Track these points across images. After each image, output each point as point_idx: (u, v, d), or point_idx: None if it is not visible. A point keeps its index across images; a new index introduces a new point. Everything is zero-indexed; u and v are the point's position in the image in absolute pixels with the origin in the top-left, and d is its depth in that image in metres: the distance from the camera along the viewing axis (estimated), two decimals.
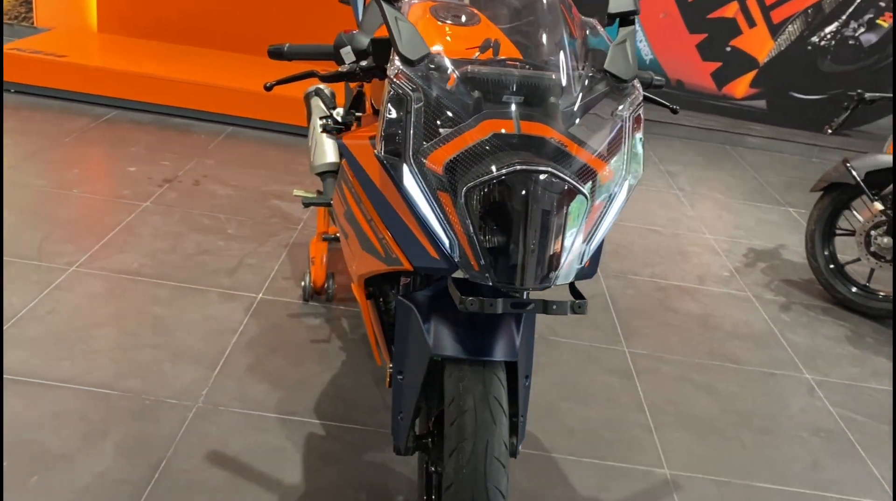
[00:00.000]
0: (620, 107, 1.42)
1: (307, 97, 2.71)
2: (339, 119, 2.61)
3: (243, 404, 2.22)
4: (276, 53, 1.65)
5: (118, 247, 2.95)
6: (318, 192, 2.78)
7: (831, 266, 3.45)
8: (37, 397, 2.11)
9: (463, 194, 1.31)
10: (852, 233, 3.41)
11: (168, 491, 1.87)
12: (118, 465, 1.93)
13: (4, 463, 1.88)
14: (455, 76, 1.38)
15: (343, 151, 1.61)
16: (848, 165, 3.32)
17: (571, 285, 1.48)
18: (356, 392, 2.34)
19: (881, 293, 3.36)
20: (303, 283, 2.78)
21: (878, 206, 3.23)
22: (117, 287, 2.69)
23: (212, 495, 1.89)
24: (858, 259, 3.37)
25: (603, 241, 1.49)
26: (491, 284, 1.34)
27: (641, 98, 1.46)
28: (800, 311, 3.34)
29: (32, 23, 5.37)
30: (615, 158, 1.40)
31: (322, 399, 2.29)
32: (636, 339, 2.91)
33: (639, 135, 1.45)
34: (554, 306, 1.37)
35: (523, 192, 1.29)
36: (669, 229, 4.02)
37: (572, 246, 1.35)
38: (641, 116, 1.45)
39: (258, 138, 4.37)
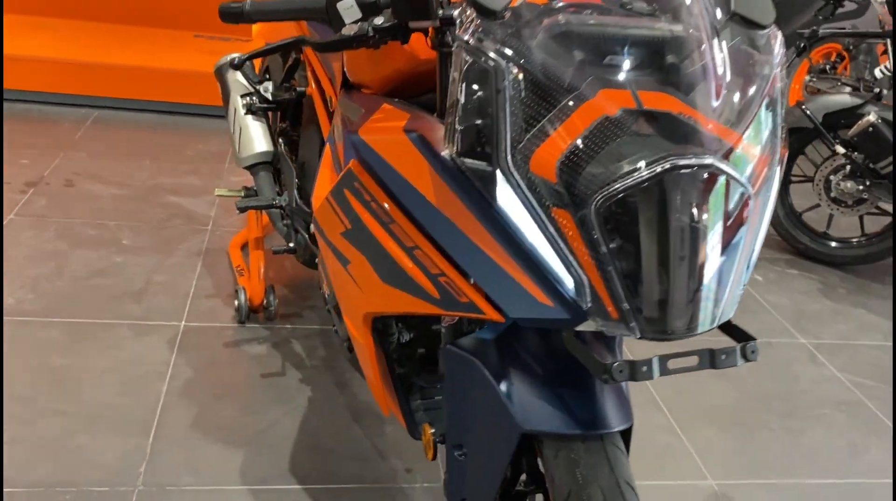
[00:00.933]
0: (761, 63, 1.03)
1: (219, 71, 2.14)
2: (269, 97, 2.09)
3: (197, 478, 1.71)
4: (233, 14, 1.14)
5: None
6: (246, 188, 2.25)
7: (789, 216, 3.29)
8: None
9: (594, 208, 0.89)
10: (809, 179, 3.24)
11: None
12: None
13: None
14: (551, 35, 0.93)
15: (365, 151, 1.13)
16: (804, 108, 3.13)
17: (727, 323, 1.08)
18: (336, 438, 1.88)
19: (835, 244, 3.22)
20: (236, 302, 2.26)
21: (841, 149, 3.06)
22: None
23: None
24: (818, 205, 3.21)
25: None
26: (639, 336, 0.93)
27: (783, 52, 1.07)
28: (766, 267, 3.15)
29: None
30: (762, 136, 1.01)
31: (296, 454, 1.82)
32: None
33: (781, 99, 1.07)
34: (724, 357, 0.98)
35: (683, 197, 0.88)
36: None
37: (736, 265, 0.97)
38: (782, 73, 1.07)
39: (134, 122, 3.70)
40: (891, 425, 2.25)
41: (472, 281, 1.03)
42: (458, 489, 1.17)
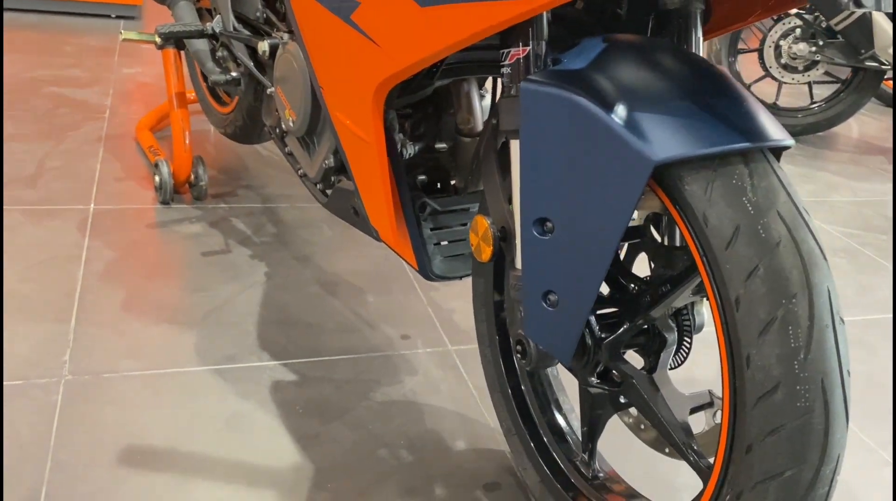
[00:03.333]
0: None
1: None
2: None
3: (140, 361, 1.33)
4: None
5: None
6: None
7: None
8: None
9: None
10: (754, 50, 3.10)
11: None
12: None
13: None
14: None
15: None
16: None
17: None
18: (310, 313, 1.54)
19: (785, 114, 3.11)
20: (157, 177, 1.85)
21: (793, 11, 2.91)
22: None
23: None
24: (764, 76, 3.08)
25: None
26: None
27: None
28: None
29: None
30: None
31: (265, 331, 1.46)
32: None
33: None
34: None
35: None
36: None
37: None
38: None
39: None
40: (891, 268, 2.12)
41: None
42: (542, 278, 0.87)
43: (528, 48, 0.86)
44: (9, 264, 1.55)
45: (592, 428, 1.02)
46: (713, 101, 0.77)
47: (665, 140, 0.74)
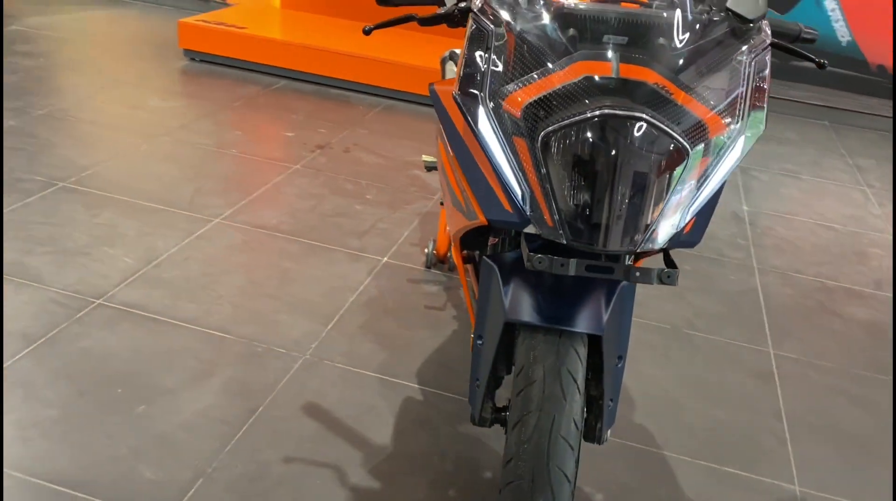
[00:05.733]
0: (741, 51, 1.22)
1: (442, 62, 2.65)
2: None
3: (348, 360, 2.21)
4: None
5: (263, 204, 3.07)
6: None
7: None
8: (158, 333, 2.22)
9: (540, 139, 1.19)
10: None
11: (260, 436, 1.90)
12: (219, 404, 1.99)
13: (119, 390, 2.00)
14: (548, 12, 1.24)
15: (433, 99, 1.52)
16: None
17: (666, 254, 1.30)
18: (462, 362, 2.26)
19: None
20: (426, 250, 2.74)
21: None
22: (253, 240, 2.79)
23: (300, 444, 1.89)
24: None
25: (714, 205, 1.30)
26: (565, 242, 1.20)
27: (768, 42, 1.24)
28: None
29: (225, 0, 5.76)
30: (729, 110, 1.21)
31: (426, 365, 2.23)
32: (787, 341, 2.60)
33: (764, 85, 1.24)
34: (637, 274, 1.21)
35: (611, 140, 1.14)
36: (849, 226, 3.58)
37: (667, 207, 1.19)
38: (768, 62, 1.24)
39: (413, 111, 4.40)
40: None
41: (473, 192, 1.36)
42: (475, 370, 1.49)
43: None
44: (318, 283, 2.57)
45: None
46: (555, 297, 1.33)
47: (517, 310, 1.33)
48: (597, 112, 1.15)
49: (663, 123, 1.15)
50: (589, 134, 1.15)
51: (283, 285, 2.54)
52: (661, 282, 1.21)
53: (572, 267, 1.21)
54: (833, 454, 2.10)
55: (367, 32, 1.57)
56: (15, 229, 2.66)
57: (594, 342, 1.35)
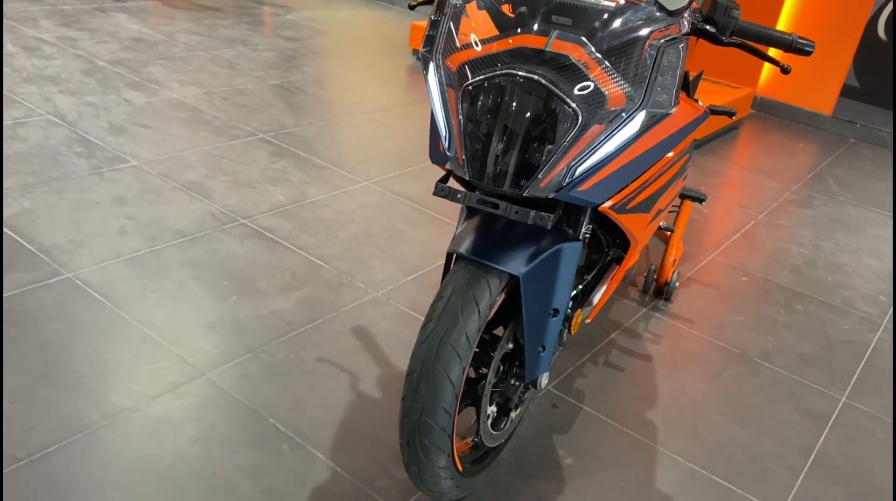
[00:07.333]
0: (656, 38, 1.37)
1: None
2: None
3: (410, 305, 2.53)
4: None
5: (409, 178, 3.50)
6: None
7: None
8: (275, 251, 2.72)
9: (461, 90, 1.43)
10: None
11: (310, 339, 2.29)
12: (291, 310, 2.42)
13: (224, 283, 2.51)
14: None
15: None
16: None
17: (575, 209, 1.47)
18: None
19: None
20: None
21: None
22: (386, 202, 3.22)
23: (336, 353, 2.25)
24: None
25: (626, 177, 1.45)
26: (468, 177, 1.43)
27: (685, 31, 1.37)
28: None
29: None
30: (632, 86, 1.36)
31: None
32: (866, 395, 2.45)
33: (677, 69, 1.38)
34: (516, 212, 1.41)
35: (508, 95, 1.36)
36: None
37: (552, 158, 1.37)
38: (682, 51, 1.37)
39: None
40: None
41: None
42: None
43: None
44: (419, 246, 2.92)
45: None
46: (490, 237, 1.55)
47: (456, 243, 1.58)
48: (503, 71, 1.37)
49: (558, 87, 1.34)
50: (493, 88, 1.38)
51: (390, 241, 2.93)
52: (534, 222, 1.40)
53: (471, 199, 1.44)
54: (840, 494, 2.00)
55: (412, 7, 1.90)
56: (212, 160, 3.35)
57: (514, 285, 1.54)
